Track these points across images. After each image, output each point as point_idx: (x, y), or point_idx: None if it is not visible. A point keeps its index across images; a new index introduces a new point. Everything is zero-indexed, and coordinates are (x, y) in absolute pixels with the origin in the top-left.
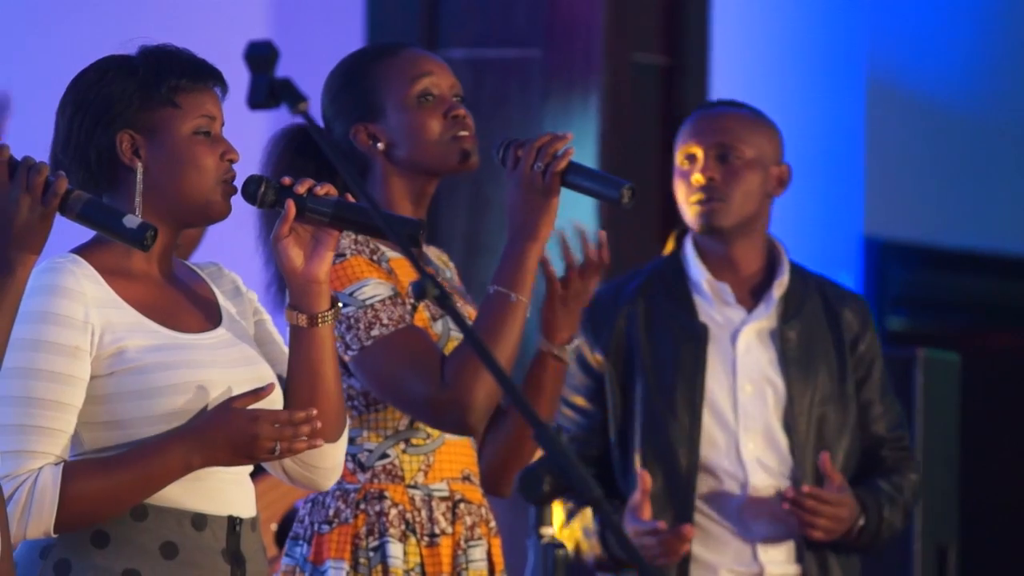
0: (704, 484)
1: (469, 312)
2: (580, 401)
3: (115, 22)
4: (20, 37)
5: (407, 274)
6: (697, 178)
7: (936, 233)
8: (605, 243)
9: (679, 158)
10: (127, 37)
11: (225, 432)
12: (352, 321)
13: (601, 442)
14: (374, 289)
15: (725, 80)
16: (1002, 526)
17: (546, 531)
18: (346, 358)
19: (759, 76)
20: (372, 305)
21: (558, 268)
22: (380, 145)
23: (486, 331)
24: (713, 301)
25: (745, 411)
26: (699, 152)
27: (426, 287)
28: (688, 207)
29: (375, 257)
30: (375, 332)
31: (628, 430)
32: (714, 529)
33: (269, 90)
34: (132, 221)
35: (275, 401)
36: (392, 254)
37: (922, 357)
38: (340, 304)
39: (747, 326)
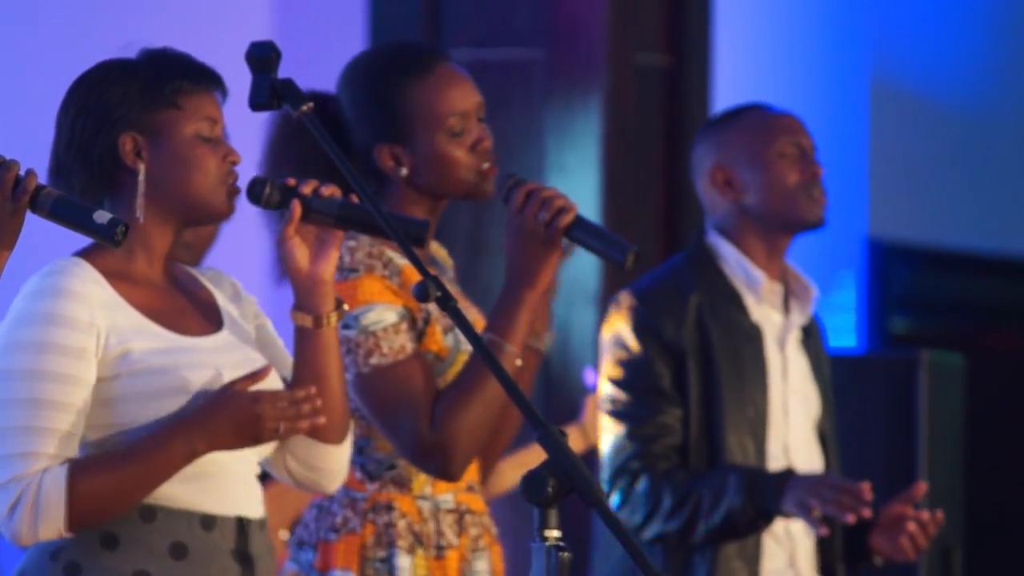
0: None
1: (472, 313)
2: (666, 391)
3: (116, 24)
4: (21, 39)
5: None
6: (818, 171)
7: (940, 234)
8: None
9: (782, 145)
10: (128, 39)
11: (227, 414)
12: (352, 345)
13: (685, 433)
14: (379, 315)
15: (728, 81)
16: (1007, 528)
17: (550, 534)
18: (346, 377)
19: (762, 77)
20: (374, 332)
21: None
22: (403, 171)
23: (476, 377)
24: (763, 303)
25: (795, 416)
26: (806, 144)
27: (428, 289)
28: (807, 195)
29: (387, 270)
30: (373, 360)
31: (713, 418)
32: (764, 539)
33: (271, 91)
34: (102, 217)
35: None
36: (403, 261)
37: (926, 359)
38: (345, 305)
39: (791, 332)
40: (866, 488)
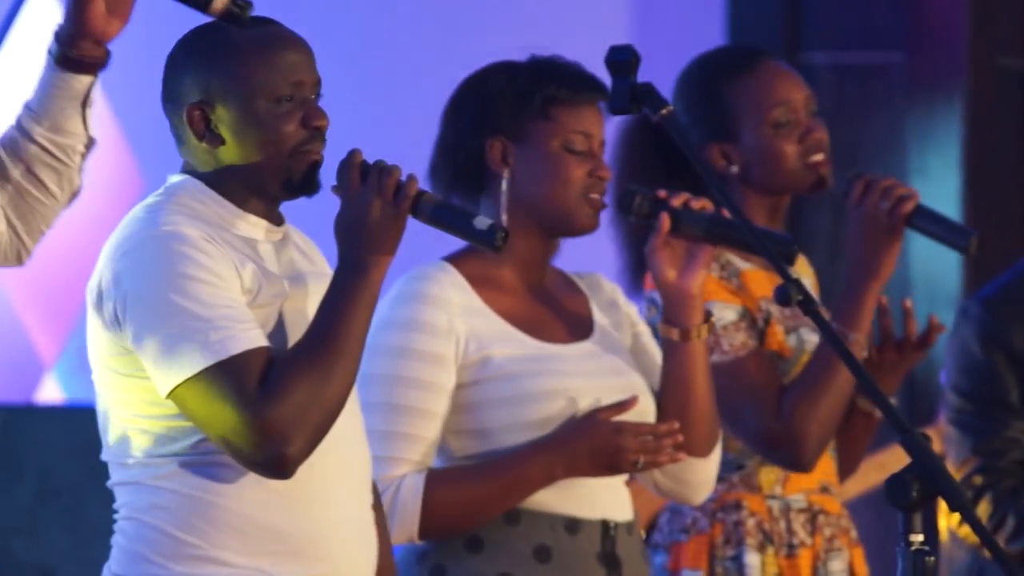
0: None
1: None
2: (1013, 403)
3: (477, 29)
4: (389, 46)
5: (760, 286)
6: None
7: None
8: (936, 327)
9: None
10: (487, 44)
11: (589, 443)
12: None
13: None
14: (718, 312)
15: None
16: None
17: (915, 538)
18: None
19: None
20: (714, 330)
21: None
22: (735, 168)
23: (825, 369)
24: None
25: None
26: None
27: (790, 292)
28: None
29: (725, 273)
30: (714, 358)
31: None
32: None
33: (631, 95)
34: (482, 222)
35: (647, 413)
36: (744, 266)
37: None
38: (713, 318)
39: None
40: None
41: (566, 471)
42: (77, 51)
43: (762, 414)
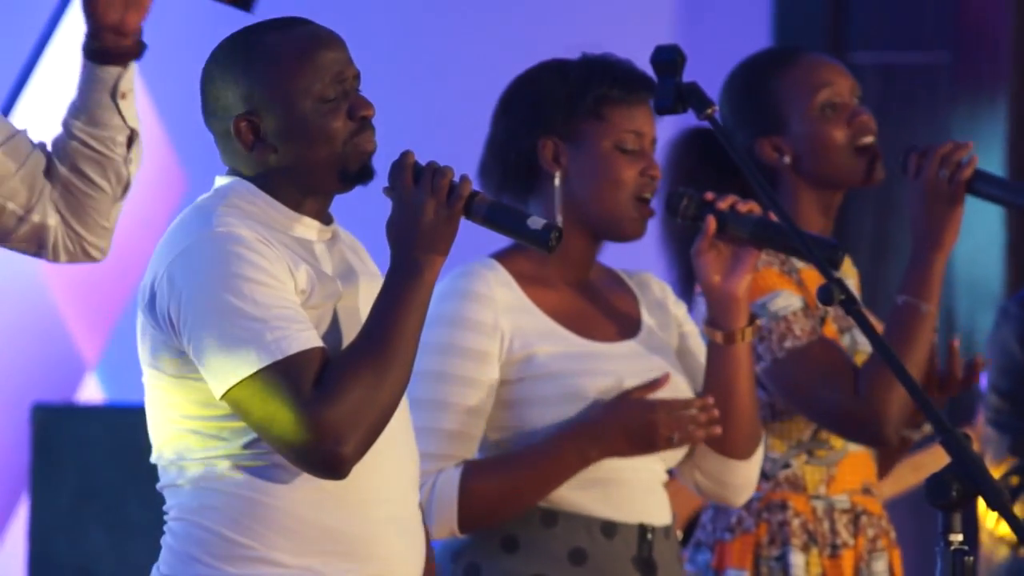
0: None
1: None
2: None
3: (525, 28)
4: (443, 45)
5: (816, 284)
6: None
7: None
8: (980, 365)
9: None
10: (534, 42)
11: (621, 422)
12: (764, 332)
13: None
14: (786, 300)
15: None
16: None
17: (954, 537)
18: (757, 369)
19: None
20: (784, 316)
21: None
22: (787, 159)
23: (896, 342)
24: None
25: None
26: None
27: (832, 292)
28: None
29: (785, 268)
30: (788, 344)
31: None
32: None
33: (676, 95)
34: (536, 222)
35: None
36: (802, 264)
37: None
38: (758, 321)
39: None
40: None
41: (601, 451)
42: (100, 42)
43: (841, 393)
